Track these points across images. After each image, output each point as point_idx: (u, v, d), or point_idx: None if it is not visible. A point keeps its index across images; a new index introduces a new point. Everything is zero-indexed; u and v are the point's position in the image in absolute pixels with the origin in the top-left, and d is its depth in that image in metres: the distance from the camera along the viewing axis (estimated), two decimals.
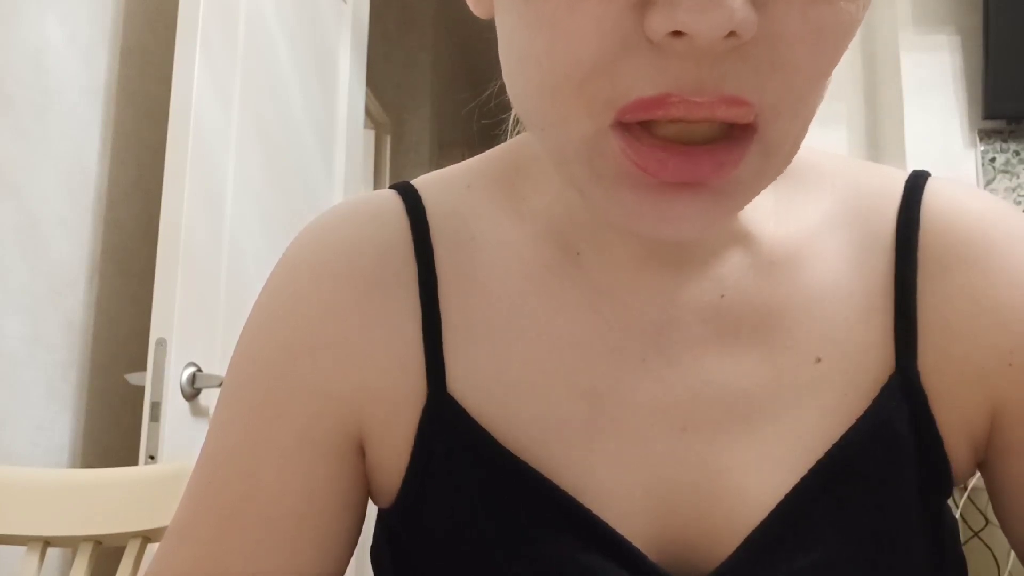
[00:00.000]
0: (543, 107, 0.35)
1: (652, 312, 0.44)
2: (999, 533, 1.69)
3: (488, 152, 0.51)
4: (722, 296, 0.44)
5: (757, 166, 0.34)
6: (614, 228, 0.44)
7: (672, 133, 0.33)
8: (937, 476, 0.43)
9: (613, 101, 0.32)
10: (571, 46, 0.32)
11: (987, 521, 1.72)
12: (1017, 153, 2.11)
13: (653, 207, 0.34)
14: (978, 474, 0.47)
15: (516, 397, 0.44)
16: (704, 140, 0.33)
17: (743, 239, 0.45)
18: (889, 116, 2.22)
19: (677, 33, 0.30)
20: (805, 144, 0.48)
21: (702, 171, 0.33)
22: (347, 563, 0.47)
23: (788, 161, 0.36)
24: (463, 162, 0.51)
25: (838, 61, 0.34)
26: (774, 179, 0.37)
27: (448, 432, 0.43)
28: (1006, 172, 2.10)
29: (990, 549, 1.73)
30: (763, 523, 0.41)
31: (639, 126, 0.33)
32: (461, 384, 0.44)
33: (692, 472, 0.42)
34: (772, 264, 0.45)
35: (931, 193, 0.46)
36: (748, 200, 0.36)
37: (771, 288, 0.44)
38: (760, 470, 0.42)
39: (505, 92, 0.53)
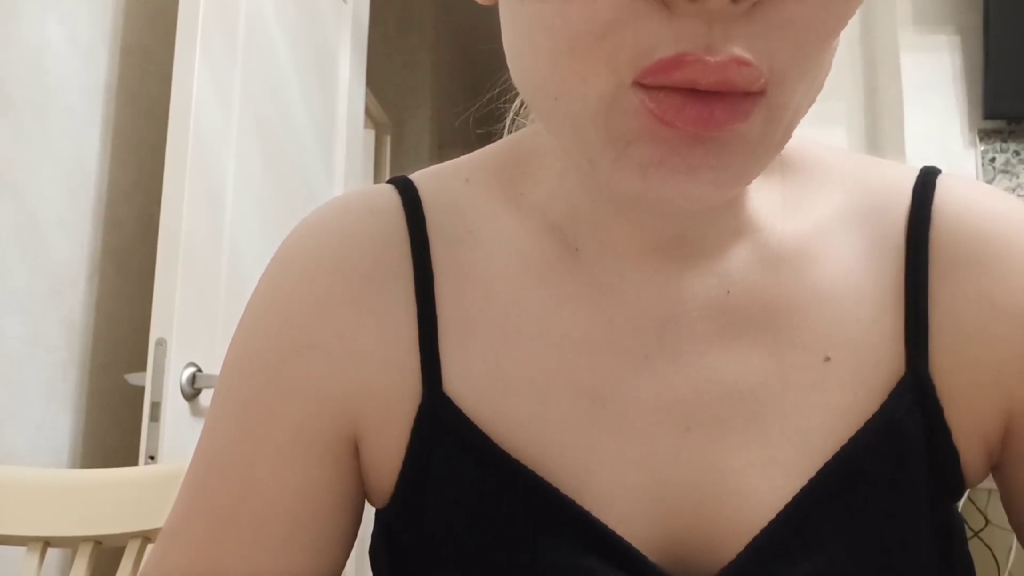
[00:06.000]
0: (558, 71, 0.34)
1: (655, 308, 0.43)
2: (999, 533, 1.70)
3: (488, 146, 0.50)
4: (728, 292, 0.43)
5: (761, 129, 0.34)
6: (621, 206, 0.43)
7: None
8: (948, 480, 0.43)
9: (635, 60, 0.32)
10: (587, 3, 0.32)
11: (987, 521, 1.72)
12: (1017, 153, 2.11)
13: (665, 159, 0.33)
14: None
15: (514, 396, 0.43)
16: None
17: (750, 234, 0.44)
18: (889, 116, 2.22)
19: None
20: (811, 139, 0.48)
21: (715, 118, 0.32)
22: (344, 563, 0.47)
23: (790, 133, 0.36)
24: (462, 156, 0.50)
25: (846, 22, 0.34)
26: (777, 151, 0.36)
27: (444, 433, 0.43)
28: (1006, 172, 2.10)
29: (990, 549, 1.72)
30: (768, 526, 0.40)
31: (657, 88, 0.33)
32: (457, 383, 0.43)
33: (696, 473, 0.42)
34: (780, 260, 0.44)
35: (943, 190, 0.45)
36: (755, 168, 0.36)
37: (779, 284, 0.43)
38: (766, 472, 0.41)
39: (505, 93, 0.52)
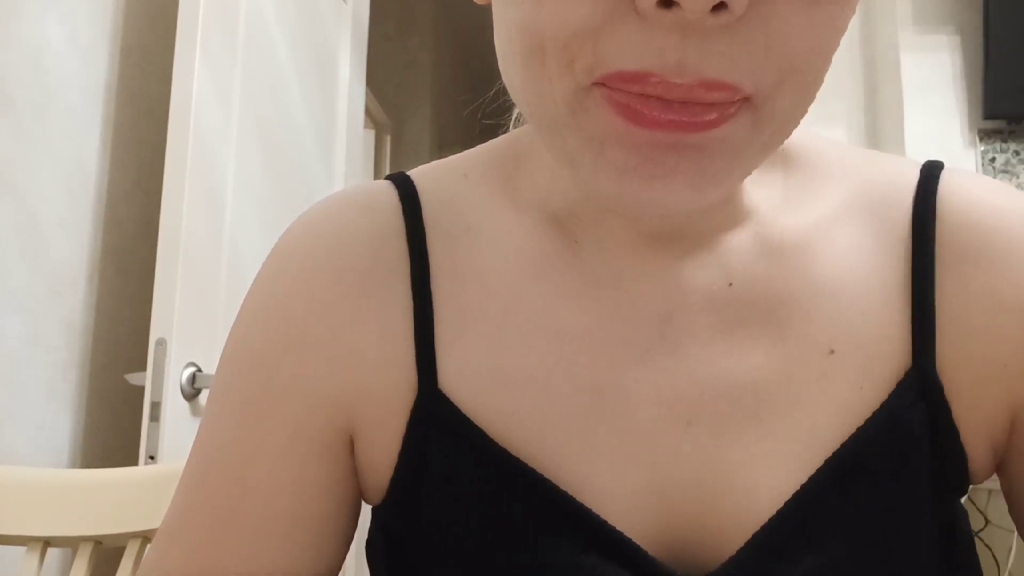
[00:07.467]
0: (529, 72, 0.34)
1: (656, 301, 0.43)
2: (999, 533, 1.70)
3: (486, 143, 0.50)
4: (730, 284, 0.43)
5: (746, 132, 0.33)
6: (609, 206, 0.42)
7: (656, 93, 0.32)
8: (952, 475, 0.42)
9: (593, 69, 0.32)
10: (559, 8, 0.32)
11: (987, 521, 1.72)
12: (1017, 153, 2.11)
13: (640, 166, 0.33)
14: None
15: (513, 392, 0.43)
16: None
17: (752, 226, 0.44)
18: (889, 116, 2.22)
19: (666, 4, 0.29)
20: (814, 133, 0.48)
21: (693, 123, 0.32)
22: (342, 561, 0.47)
23: (782, 136, 0.35)
24: (461, 153, 0.50)
25: (838, 37, 0.33)
26: (767, 154, 0.36)
27: (440, 429, 0.43)
28: (1006, 172, 2.10)
29: (990, 549, 1.72)
30: (770, 522, 0.40)
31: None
32: (453, 379, 0.43)
33: (697, 468, 0.41)
34: (783, 252, 0.43)
35: (947, 184, 0.45)
36: (739, 171, 0.35)
37: (782, 276, 0.43)
38: (769, 466, 0.41)
39: (506, 93, 0.52)
